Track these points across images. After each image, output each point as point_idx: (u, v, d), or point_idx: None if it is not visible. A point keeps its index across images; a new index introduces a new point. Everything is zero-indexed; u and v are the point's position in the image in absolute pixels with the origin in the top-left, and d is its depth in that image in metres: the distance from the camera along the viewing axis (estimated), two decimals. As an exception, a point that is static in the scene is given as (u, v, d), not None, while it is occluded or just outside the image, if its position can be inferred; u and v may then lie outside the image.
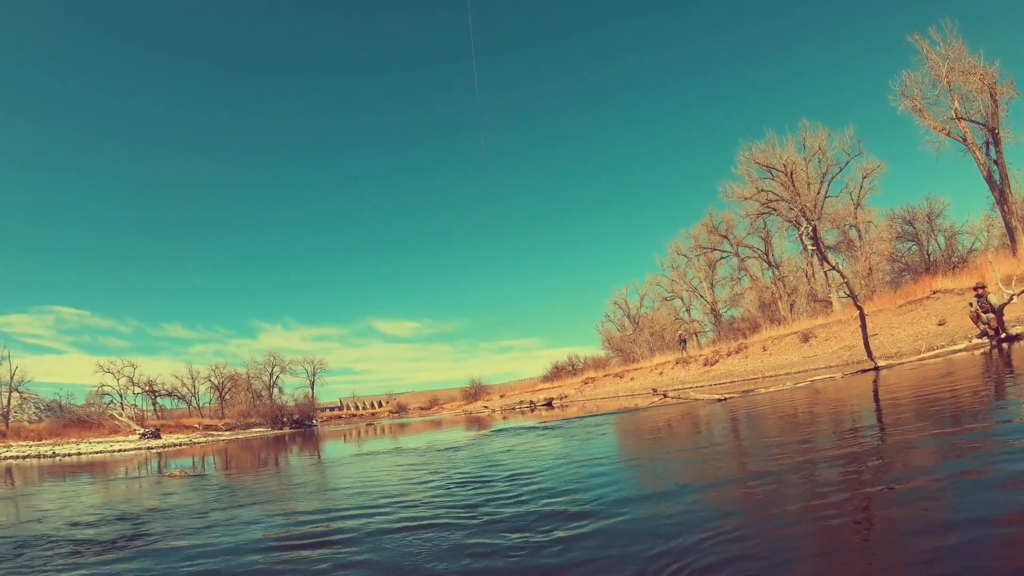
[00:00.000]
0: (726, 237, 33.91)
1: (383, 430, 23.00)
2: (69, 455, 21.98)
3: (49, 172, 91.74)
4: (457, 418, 28.40)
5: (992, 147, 20.35)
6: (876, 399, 6.37)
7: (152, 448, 23.42)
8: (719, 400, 10.24)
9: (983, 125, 20.28)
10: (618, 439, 7.27)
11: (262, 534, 3.28)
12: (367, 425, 34.71)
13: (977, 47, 20.42)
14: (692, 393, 12.58)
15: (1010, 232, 20.60)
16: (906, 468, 2.67)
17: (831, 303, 26.46)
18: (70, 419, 36.88)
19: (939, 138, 20.84)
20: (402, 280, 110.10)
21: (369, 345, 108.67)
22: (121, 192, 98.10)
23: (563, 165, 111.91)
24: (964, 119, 20.52)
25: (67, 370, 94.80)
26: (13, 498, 7.73)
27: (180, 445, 24.96)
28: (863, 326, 11.66)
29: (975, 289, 11.43)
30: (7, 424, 35.07)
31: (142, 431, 30.98)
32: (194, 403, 52.05)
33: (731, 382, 18.53)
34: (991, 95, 19.97)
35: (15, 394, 38.71)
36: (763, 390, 10.78)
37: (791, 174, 26.71)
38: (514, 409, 28.46)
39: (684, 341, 32.31)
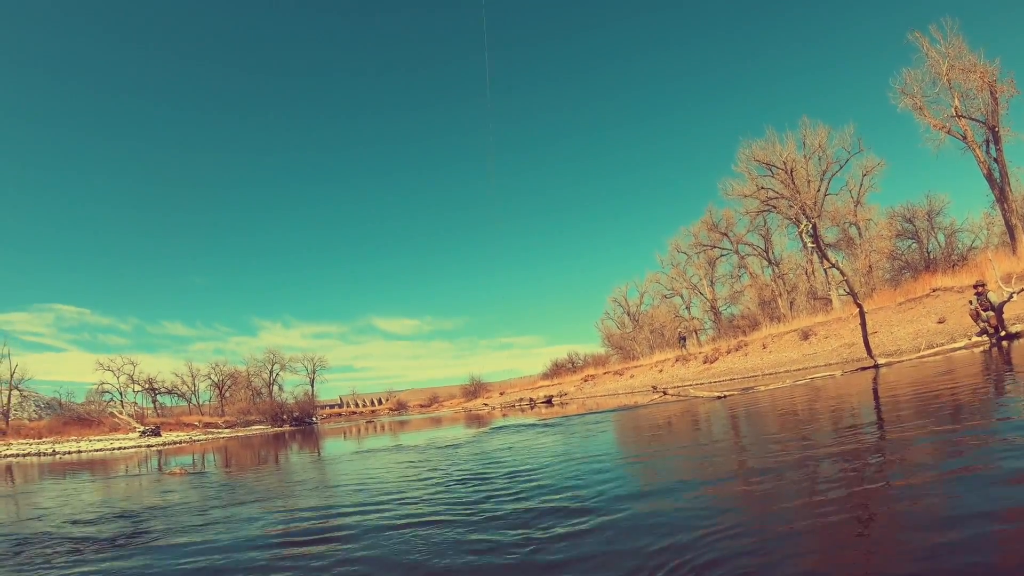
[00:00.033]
0: (726, 235, 33.91)
1: (383, 427, 23.03)
2: (69, 453, 21.98)
3: (49, 171, 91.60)
4: (457, 415, 28.42)
5: (992, 145, 20.35)
6: (876, 396, 6.37)
7: (152, 446, 23.42)
8: (719, 397, 10.24)
9: (983, 123, 20.27)
10: (618, 436, 7.28)
11: (262, 531, 3.28)
12: (367, 422, 34.74)
13: (977, 45, 20.46)
14: (692, 391, 12.58)
15: (1010, 230, 20.61)
16: (905, 465, 2.67)
17: (831, 301, 26.47)
18: (70, 417, 36.87)
19: (939, 136, 20.85)
20: (402, 277, 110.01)
21: (369, 342, 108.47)
22: (121, 190, 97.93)
23: (564, 163, 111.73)
24: (964, 117, 20.50)
25: (67, 368, 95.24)
26: (13, 496, 7.75)
27: (180, 443, 24.98)
28: (863, 324, 11.66)
29: (975, 287, 11.44)
30: (7, 422, 35.07)
31: (142, 429, 31.00)
32: (194, 401, 52.17)
33: (731, 380, 18.51)
34: (991, 93, 19.95)
35: (15, 392, 38.74)
36: (763, 388, 10.78)
37: (791, 172, 26.69)
38: (514, 406, 28.46)
39: (684, 339, 32.30)
